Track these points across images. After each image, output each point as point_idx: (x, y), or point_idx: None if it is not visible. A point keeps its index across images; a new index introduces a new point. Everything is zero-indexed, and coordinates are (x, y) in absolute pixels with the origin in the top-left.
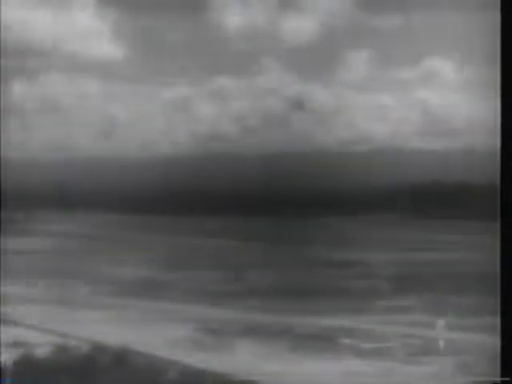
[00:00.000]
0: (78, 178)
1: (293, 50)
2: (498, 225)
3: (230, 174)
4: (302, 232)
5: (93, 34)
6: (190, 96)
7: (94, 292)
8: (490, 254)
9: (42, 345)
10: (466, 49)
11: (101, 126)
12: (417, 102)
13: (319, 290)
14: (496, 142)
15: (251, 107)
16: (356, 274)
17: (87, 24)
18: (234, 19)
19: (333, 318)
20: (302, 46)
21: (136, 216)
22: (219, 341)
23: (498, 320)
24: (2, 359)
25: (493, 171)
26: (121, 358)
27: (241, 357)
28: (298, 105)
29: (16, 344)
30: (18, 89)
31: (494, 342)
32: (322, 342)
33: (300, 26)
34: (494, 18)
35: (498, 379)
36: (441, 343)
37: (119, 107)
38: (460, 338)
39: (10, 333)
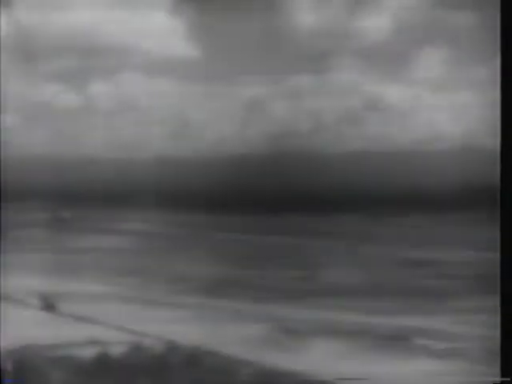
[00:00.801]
0: (149, 177)
1: (367, 47)
2: None
3: (304, 173)
4: (378, 231)
5: (169, 33)
6: (264, 95)
7: (168, 290)
8: None
9: (117, 343)
10: None
11: (174, 126)
12: (493, 101)
13: (394, 290)
14: None
15: (326, 106)
16: (431, 274)
17: (163, 23)
18: (308, 17)
19: (407, 318)
20: (376, 44)
21: (209, 215)
22: (294, 340)
23: None
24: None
25: None
26: (194, 358)
27: (316, 356)
28: (373, 103)
29: (92, 342)
30: (96, 88)
31: None
32: (397, 341)
33: (375, 24)
34: None
35: (498, 379)
36: None
37: (193, 106)
38: None
39: (88, 331)
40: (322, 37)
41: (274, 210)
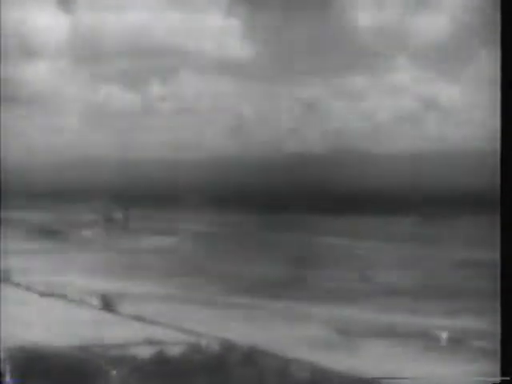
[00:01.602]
0: (207, 177)
1: (425, 47)
2: None
3: (358, 173)
4: (438, 232)
5: (225, 34)
6: (320, 94)
7: (223, 290)
8: None
9: (175, 343)
10: None
11: (231, 125)
12: None
13: (451, 291)
14: None
15: (383, 105)
16: (487, 274)
17: (219, 23)
18: (365, 18)
19: (463, 319)
20: (434, 44)
21: (264, 215)
22: (350, 341)
23: None
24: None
25: None
26: (251, 358)
27: (371, 357)
28: (430, 102)
29: (150, 342)
30: (155, 89)
31: None
32: (452, 343)
33: (432, 24)
34: None
35: (498, 379)
36: None
37: (250, 106)
38: None
39: (145, 331)
40: (379, 37)
41: (326, 210)
